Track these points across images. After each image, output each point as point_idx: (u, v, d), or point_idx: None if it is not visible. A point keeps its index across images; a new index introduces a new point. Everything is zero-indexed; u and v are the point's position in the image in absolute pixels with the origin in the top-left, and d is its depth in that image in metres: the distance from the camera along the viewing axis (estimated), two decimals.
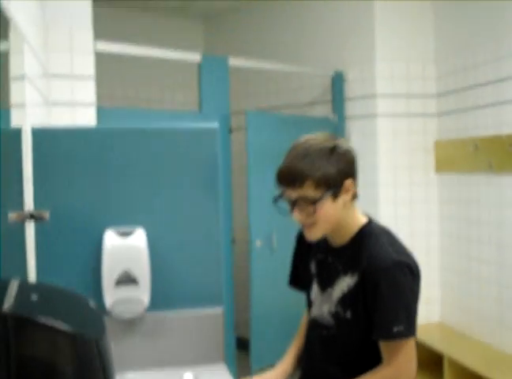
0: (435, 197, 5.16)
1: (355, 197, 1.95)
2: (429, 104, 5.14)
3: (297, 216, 1.91)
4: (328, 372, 1.97)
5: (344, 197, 1.90)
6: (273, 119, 5.00)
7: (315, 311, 2.05)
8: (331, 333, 1.99)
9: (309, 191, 1.85)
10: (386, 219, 5.00)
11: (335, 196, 1.88)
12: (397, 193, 5.10)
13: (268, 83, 6.02)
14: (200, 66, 4.47)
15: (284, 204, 1.95)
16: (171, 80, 6.21)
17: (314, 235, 1.95)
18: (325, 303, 2.00)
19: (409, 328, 1.84)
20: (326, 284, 2.01)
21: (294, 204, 1.90)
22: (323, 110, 5.44)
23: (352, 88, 5.26)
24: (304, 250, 2.15)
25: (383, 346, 1.88)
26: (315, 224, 1.90)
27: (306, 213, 1.88)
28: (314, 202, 1.85)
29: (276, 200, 1.96)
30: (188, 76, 5.09)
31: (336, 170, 1.86)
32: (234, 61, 4.66)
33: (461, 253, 4.88)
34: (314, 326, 2.07)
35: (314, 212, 1.86)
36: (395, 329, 1.82)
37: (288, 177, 1.87)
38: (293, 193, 1.88)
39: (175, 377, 2.06)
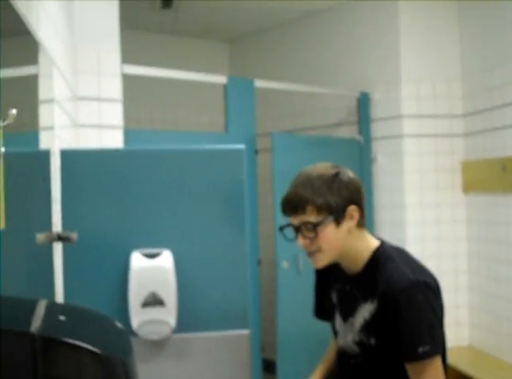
0: (463, 218, 5.11)
1: (361, 224, 1.96)
2: (456, 124, 5.10)
3: (301, 243, 1.92)
4: None
5: (348, 224, 1.91)
6: (299, 141, 5.00)
7: (341, 341, 2.04)
8: (358, 361, 1.97)
9: (311, 217, 1.87)
10: (413, 240, 4.95)
11: (338, 222, 1.89)
12: (424, 213, 5.05)
13: (293, 104, 6.03)
14: (226, 88, 4.50)
15: (290, 233, 1.96)
16: (197, 102, 6.26)
17: (319, 263, 1.95)
18: (348, 333, 1.99)
19: (434, 346, 1.81)
20: (348, 314, 2.00)
21: (297, 230, 1.91)
22: (349, 132, 5.43)
23: (377, 109, 5.25)
24: (324, 280, 2.14)
25: (410, 368, 1.85)
26: (319, 251, 1.91)
27: (310, 239, 1.89)
28: (315, 226, 1.87)
29: (281, 229, 1.98)
30: (214, 98, 5.12)
31: (338, 196, 1.88)
32: (259, 83, 4.68)
33: (490, 275, 4.81)
34: (341, 356, 2.05)
35: (316, 236, 1.88)
36: (420, 350, 1.80)
37: (291, 204, 1.90)
38: (296, 220, 1.90)
39: None
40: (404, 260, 1.94)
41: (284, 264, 4.54)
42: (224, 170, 2.40)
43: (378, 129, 5.25)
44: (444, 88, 5.10)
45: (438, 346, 1.84)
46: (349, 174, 1.95)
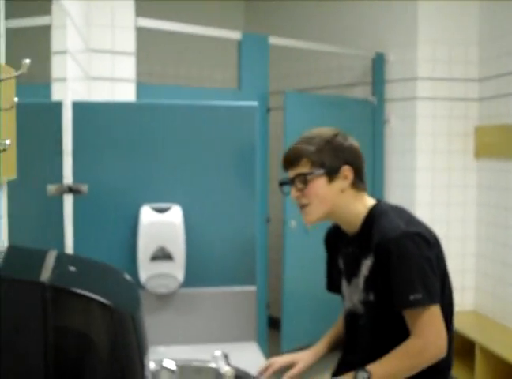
0: (474, 183, 5.09)
1: (359, 187, 2.00)
2: (471, 88, 5.05)
3: (293, 194, 1.99)
4: (364, 359, 1.96)
5: (341, 183, 1.96)
6: (312, 100, 4.96)
7: (348, 304, 2.06)
8: (365, 321, 1.99)
9: (304, 168, 1.95)
10: (422, 203, 4.95)
11: (330, 178, 1.95)
12: (434, 177, 5.04)
13: (307, 63, 5.97)
14: (240, 44, 4.45)
15: (288, 188, 2.04)
16: (211, 58, 6.20)
17: (309, 217, 2.00)
18: (354, 293, 2.01)
19: (429, 296, 1.83)
20: (351, 275, 2.02)
21: (292, 183, 1.99)
22: (363, 92, 5.38)
23: (392, 71, 5.19)
24: (333, 250, 2.17)
25: (407, 318, 1.87)
26: (309, 205, 1.97)
27: (301, 191, 1.97)
28: (306, 177, 1.94)
29: (280, 184, 2.06)
30: (228, 54, 5.07)
31: (333, 154, 1.95)
32: (274, 40, 4.63)
33: (498, 241, 4.81)
34: (349, 318, 2.07)
35: (305, 187, 1.95)
36: (411, 297, 1.82)
37: (288, 158, 2.00)
38: (291, 173, 1.99)
39: (206, 354, 2.07)
40: (398, 214, 1.98)
41: (292, 223, 4.55)
42: (235, 127, 2.39)
43: (392, 91, 5.20)
44: (460, 52, 5.03)
45: (433, 296, 1.85)
46: (350, 140, 2.01)
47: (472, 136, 5.05)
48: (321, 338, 2.22)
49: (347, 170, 1.95)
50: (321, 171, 1.93)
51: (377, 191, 4.99)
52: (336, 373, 2.11)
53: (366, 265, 1.94)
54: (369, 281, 1.94)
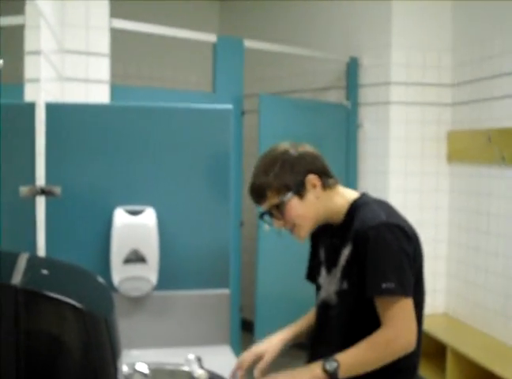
0: (446, 188, 5.14)
1: (329, 184, 2.02)
2: (444, 94, 5.10)
3: (277, 224, 2.04)
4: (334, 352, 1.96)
5: (313, 193, 1.99)
6: (286, 103, 4.98)
7: (323, 293, 2.07)
8: (337, 312, 2.00)
9: (273, 200, 1.98)
10: (395, 206, 4.98)
11: (300, 195, 1.97)
12: (407, 181, 5.08)
13: (282, 67, 5.99)
14: (215, 47, 4.45)
15: (269, 218, 2.07)
16: (186, 61, 6.19)
17: (300, 236, 2.05)
18: (332, 284, 2.02)
19: (401, 286, 1.84)
20: (331, 264, 2.03)
21: (270, 215, 2.03)
22: (337, 96, 5.41)
23: (366, 75, 5.23)
24: (316, 241, 2.19)
25: (378, 307, 1.88)
26: (295, 226, 2.01)
27: (280, 219, 2.00)
28: (278, 207, 1.97)
29: (260, 217, 2.09)
30: (202, 56, 5.07)
31: (291, 172, 1.96)
32: (249, 44, 4.64)
33: (469, 245, 4.86)
34: (322, 308, 2.08)
35: (283, 216, 1.98)
36: (383, 285, 1.83)
37: (254, 195, 2.03)
38: (264, 207, 2.02)
39: (180, 357, 2.07)
40: (381, 206, 2.01)
41: (266, 227, 4.54)
42: (210, 130, 2.39)
43: (365, 95, 5.23)
44: (434, 57, 5.08)
45: (406, 288, 1.86)
46: (301, 147, 2.02)
47: (445, 140, 5.10)
48: (291, 326, 2.21)
49: (312, 179, 1.98)
50: (289, 195, 1.96)
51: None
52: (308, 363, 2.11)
53: (344, 255, 1.96)
54: (345, 270, 1.96)
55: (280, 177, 1.95)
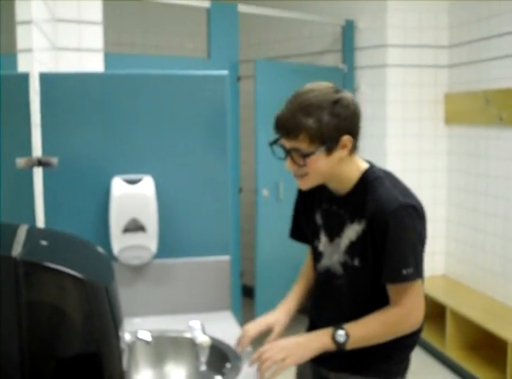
0: (444, 150, 5.14)
1: (353, 150, 1.92)
2: (441, 55, 5.06)
3: (289, 166, 1.89)
4: (340, 316, 1.98)
5: (340, 153, 1.87)
6: (282, 68, 4.94)
7: (326, 261, 2.05)
8: (342, 282, 2.00)
9: (302, 144, 1.82)
10: (394, 170, 4.96)
11: (329, 151, 1.84)
12: (405, 144, 5.07)
13: (277, 31, 5.93)
14: (209, 12, 4.40)
15: (279, 150, 1.92)
16: (180, 27, 6.13)
17: (304, 185, 1.95)
18: (335, 253, 2.00)
19: (417, 270, 1.85)
20: (334, 234, 2.00)
21: (287, 153, 1.88)
22: (333, 60, 5.37)
23: (362, 38, 5.18)
24: (307, 201, 2.12)
25: (392, 289, 1.88)
26: (306, 175, 1.89)
27: (298, 165, 1.87)
28: (305, 156, 1.84)
29: (271, 144, 1.93)
30: (197, 23, 5.01)
31: (333, 126, 1.82)
32: (243, 9, 4.59)
33: (468, 207, 4.88)
34: (326, 276, 2.06)
35: (305, 165, 1.85)
36: (404, 272, 1.83)
37: (284, 126, 1.84)
38: (287, 143, 1.86)
39: (182, 324, 2.08)
40: (392, 182, 1.95)
41: (265, 192, 4.56)
42: (206, 97, 2.37)
43: (362, 58, 5.20)
44: (430, 19, 5.03)
45: (421, 270, 1.88)
46: (349, 99, 1.88)
47: (442, 103, 5.08)
48: (289, 294, 2.19)
49: (346, 140, 1.86)
50: (321, 149, 1.83)
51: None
52: (310, 329, 2.12)
53: (353, 230, 1.93)
54: (355, 247, 1.93)
55: (322, 127, 1.80)
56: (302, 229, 2.17)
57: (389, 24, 4.95)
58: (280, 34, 5.92)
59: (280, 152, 1.92)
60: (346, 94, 1.90)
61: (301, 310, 2.20)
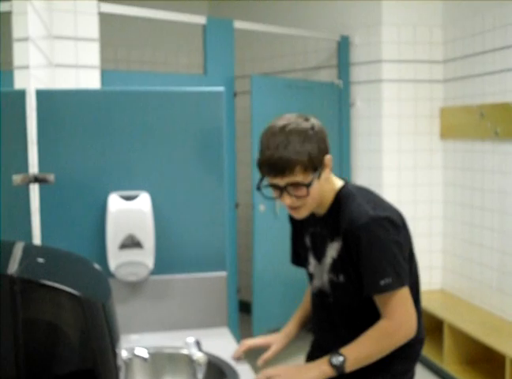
0: (439, 164, 5.15)
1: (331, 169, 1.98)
2: (436, 70, 5.09)
3: (287, 201, 1.92)
4: (338, 335, 1.99)
5: (325, 173, 1.94)
6: (278, 83, 4.96)
7: (318, 282, 2.08)
8: (331, 301, 2.02)
9: (299, 177, 1.87)
10: (389, 185, 5.00)
11: (319, 175, 1.91)
12: (401, 159, 5.08)
13: (273, 47, 5.96)
14: (205, 29, 4.43)
15: (268, 191, 1.98)
16: (176, 44, 6.16)
17: (302, 215, 1.99)
18: (323, 273, 2.03)
19: (398, 279, 1.87)
20: (321, 254, 2.04)
21: (282, 190, 1.91)
22: (328, 75, 5.39)
23: (357, 53, 5.21)
24: (298, 227, 2.18)
25: (377, 301, 1.91)
26: (304, 205, 1.93)
27: (296, 197, 1.90)
28: (308, 186, 1.88)
29: (259, 188, 1.99)
30: (193, 39, 5.04)
31: (317, 150, 1.88)
32: (239, 25, 4.61)
33: (464, 221, 4.88)
34: (319, 296, 2.09)
35: (308, 194, 1.89)
36: (382, 282, 1.85)
37: (278, 166, 1.86)
38: (282, 181, 1.89)
39: (179, 341, 2.08)
40: (365, 197, 1.99)
41: (261, 208, 4.56)
42: (202, 113, 2.38)
43: (357, 74, 5.22)
44: (425, 34, 5.06)
45: (402, 278, 1.89)
46: (317, 123, 1.95)
47: (438, 117, 5.10)
48: (291, 319, 2.26)
49: (328, 160, 1.93)
50: (316, 175, 1.89)
51: (345, 173, 5.02)
52: (311, 355, 2.15)
53: (334, 248, 1.97)
54: (338, 263, 1.97)
55: (311, 155, 1.85)
56: (300, 254, 2.20)
57: (384, 40, 4.98)
58: (276, 50, 5.95)
59: (268, 193, 1.97)
60: (312, 118, 1.95)
61: (308, 329, 2.23)
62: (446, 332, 4.39)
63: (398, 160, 5.08)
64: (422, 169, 5.13)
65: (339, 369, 1.86)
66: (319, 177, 1.90)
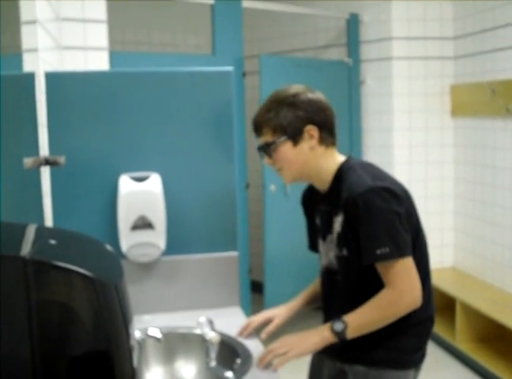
0: (451, 142, 5.12)
1: (328, 142, 2.01)
2: (446, 47, 5.04)
3: (265, 162, 2.03)
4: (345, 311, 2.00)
5: (308, 143, 1.97)
6: (287, 63, 4.93)
7: (324, 260, 2.09)
8: (340, 277, 2.03)
9: (267, 137, 1.98)
10: (401, 163, 4.98)
11: (295, 141, 1.96)
12: (411, 137, 5.06)
13: (282, 26, 5.92)
14: (213, 8, 4.40)
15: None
16: (184, 24, 6.12)
17: (286, 179, 2.05)
18: (329, 250, 2.03)
19: (397, 249, 1.86)
20: (327, 231, 2.04)
21: (263, 151, 2.02)
22: (338, 54, 5.36)
23: (367, 31, 5.17)
24: (310, 210, 2.19)
25: (379, 270, 1.90)
26: (282, 169, 2.01)
27: (270, 158, 2.00)
28: (269, 146, 1.97)
29: (258, 149, 2.06)
30: (201, 19, 5.01)
31: (293, 117, 1.95)
32: (247, 4, 4.58)
33: (476, 198, 4.86)
34: (326, 274, 2.10)
35: (272, 155, 1.98)
36: (378, 251, 1.85)
37: (253, 127, 2.04)
38: (260, 141, 2.02)
39: (191, 320, 2.09)
40: (367, 170, 1.99)
41: (272, 188, 4.56)
42: (211, 93, 2.38)
43: (367, 52, 5.18)
44: (435, 10, 5.01)
45: (402, 249, 1.87)
46: (313, 95, 2.00)
47: (448, 94, 5.06)
48: (299, 294, 2.27)
49: (311, 130, 1.96)
50: (283, 138, 1.96)
51: (355, 152, 5.00)
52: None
53: (338, 222, 1.97)
54: (342, 237, 1.97)
55: (280, 118, 1.95)
56: (314, 239, 2.19)
57: (393, 17, 4.94)
58: (285, 29, 5.91)
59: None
60: (312, 90, 2.03)
61: (317, 307, 2.24)
62: (458, 310, 4.39)
63: (409, 138, 5.05)
64: (433, 147, 5.10)
65: (340, 335, 1.87)
66: (295, 144, 1.96)
